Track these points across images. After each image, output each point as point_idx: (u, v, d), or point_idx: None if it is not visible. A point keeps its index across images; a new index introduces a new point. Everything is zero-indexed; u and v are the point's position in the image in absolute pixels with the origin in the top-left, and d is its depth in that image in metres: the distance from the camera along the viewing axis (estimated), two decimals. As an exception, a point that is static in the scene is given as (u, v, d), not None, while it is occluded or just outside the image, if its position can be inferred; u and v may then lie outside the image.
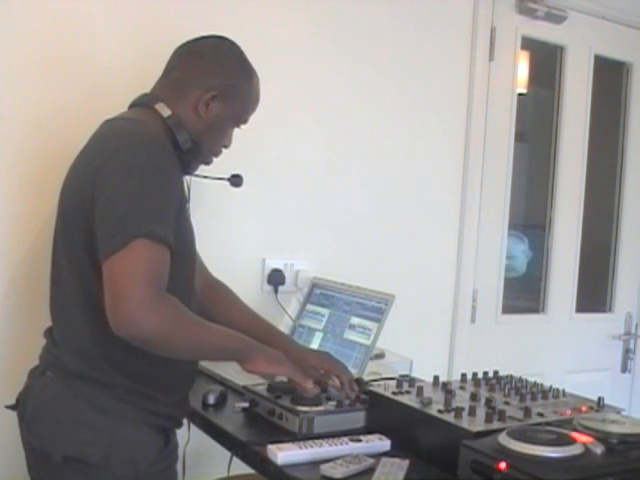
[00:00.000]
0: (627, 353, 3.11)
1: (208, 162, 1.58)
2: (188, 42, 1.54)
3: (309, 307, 2.06)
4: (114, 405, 1.35)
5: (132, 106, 1.51)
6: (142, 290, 1.19)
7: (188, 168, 1.52)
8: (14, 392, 1.48)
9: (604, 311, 3.12)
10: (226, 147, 1.58)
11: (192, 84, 1.48)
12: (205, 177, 1.76)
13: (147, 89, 1.53)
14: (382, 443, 1.37)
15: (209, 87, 1.47)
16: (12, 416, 1.47)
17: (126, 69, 1.88)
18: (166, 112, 1.45)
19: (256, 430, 1.48)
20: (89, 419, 1.34)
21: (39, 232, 1.77)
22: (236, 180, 1.86)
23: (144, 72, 1.63)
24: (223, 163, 1.65)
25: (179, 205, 1.35)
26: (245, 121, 1.58)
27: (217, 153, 1.58)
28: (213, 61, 1.50)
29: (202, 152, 1.52)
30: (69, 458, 1.32)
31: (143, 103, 1.49)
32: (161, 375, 1.39)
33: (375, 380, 1.70)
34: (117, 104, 1.53)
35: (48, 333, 1.47)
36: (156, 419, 1.40)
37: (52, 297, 1.46)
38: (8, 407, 1.48)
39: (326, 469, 1.23)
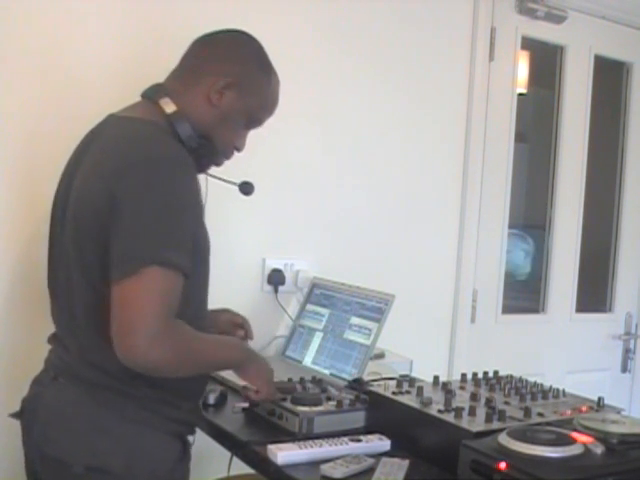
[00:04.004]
0: (627, 353, 3.11)
1: (219, 163, 1.51)
2: (206, 34, 1.48)
3: (309, 307, 2.06)
4: (136, 412, 1.32)
5: (143, 96, 1.45)
6: (151, 323, 1.17)
7: (199, 166, 1.44)
8: (14, 399, 1.44)
9: (604, 311, 3.12)
10: (238, 150, 1.52)
11: (206, 70, 1.41)
12: (219, 178, 1.66)
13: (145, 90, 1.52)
14: (382, 443, 1.37)
15: (225, 73, 1.40)
16: (12, 424, 1.43)
17: (124, 70, 1.87)
18: (170, 108, 1.39)
19: (256, 430, 1.48)
20: (109, 427, 1.30)
21: (39, 235, 1.76)
22: (246, 187, 1.74)
23: (142, 72, 1.62)
24: (224, 163, 1.64)
25: (198, 217, 1.34)
26: (259, 121, 1.51)
27: (228, 153, 1.50)
28: (231, 48, 1.45)
29: (213, 148, 1.45)
30: (91, 468, 1.28)
31: (149, 96, 1.43)
32: (181, 382, 1.34)
33: (375, 380, 1.70)
34: (116, 105, 1.52)
35: (54, 339, 1.44)
36: (175, 426, 1.38)
37: (59, 307, 1.41)
38: (12, 415, 1.43)
39: (326, 469, 1.23)
